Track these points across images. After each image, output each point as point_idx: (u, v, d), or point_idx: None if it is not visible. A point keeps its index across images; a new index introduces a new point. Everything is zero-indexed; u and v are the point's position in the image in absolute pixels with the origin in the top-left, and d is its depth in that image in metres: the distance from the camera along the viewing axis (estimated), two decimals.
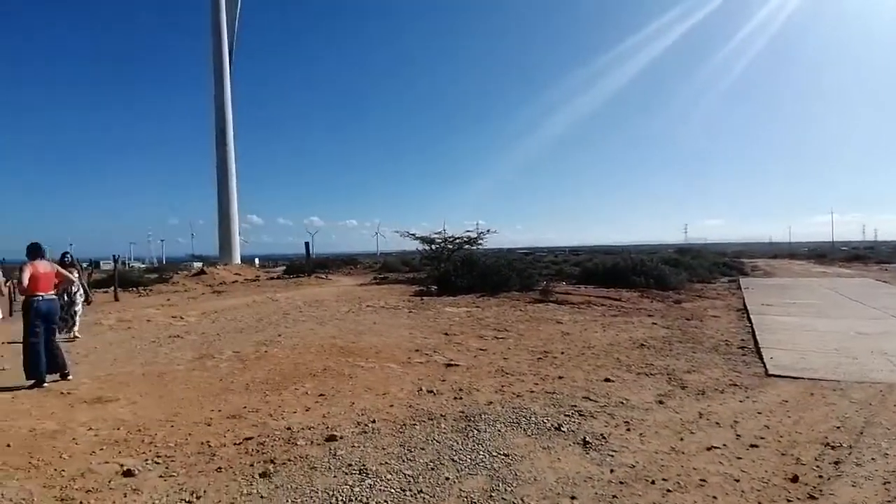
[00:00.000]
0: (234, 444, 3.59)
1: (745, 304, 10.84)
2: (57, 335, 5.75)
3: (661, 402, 4.39)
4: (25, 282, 5.29)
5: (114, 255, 21.75)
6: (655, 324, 8.74)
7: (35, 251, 5.52)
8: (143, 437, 3.74)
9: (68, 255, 8.27)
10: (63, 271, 5.93)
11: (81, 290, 8.25)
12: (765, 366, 5.57)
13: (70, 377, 5.52)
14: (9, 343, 6.04)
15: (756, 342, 6.84)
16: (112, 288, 17.02)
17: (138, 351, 7.22)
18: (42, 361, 5.27)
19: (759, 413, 4.08)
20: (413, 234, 24.87)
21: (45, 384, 5.26)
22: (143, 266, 47.96)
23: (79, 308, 8.30)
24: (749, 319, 8.85)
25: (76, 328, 8.21)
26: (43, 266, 5.54)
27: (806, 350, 6.31)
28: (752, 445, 3.42)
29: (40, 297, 5.38)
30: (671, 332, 7.86)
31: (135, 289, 19.51)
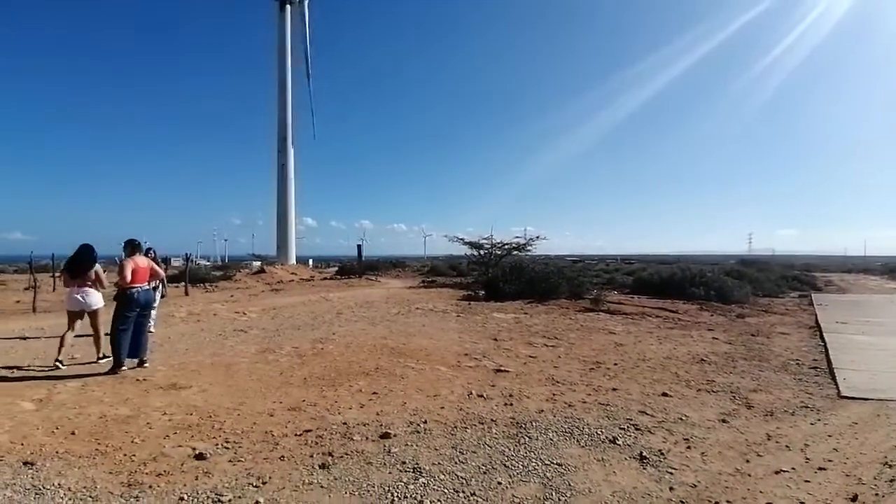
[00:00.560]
0: (295, 435, 3.76)
1: (817, 322, 10.04)
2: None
3: (724, 422, 4.17)
4: (129, 275, 5.81)
5: (186, 254, 23.48)
6: (717, 338, 8.28)
7: (134, 247, 6.08)
8: (213, 423, 3.99)
9: (152, 251, 8.51)
10: (156, 267, 6.48)
11: (160, 287, 8.72)
12: (837, 387, 5.19)
13: (147, 365, 5.98)
14: (81, 336, 6.57)
15: (829, 362, 6.33)
16: (183, 283, 18.27)
17: (207, 343, 7.71)
18: (126, 349, 5.74)
19: (829, 436, 3.85)
20: (461, 239, 24.97)
21: (124, 367, 5.68)
22: (209, 263, 51.00)
23: (156, 303, 8.60)
24: (822, 338, 8.20)
25: (152, 324, 8.37)
26: (142, 261, 6.10)
27: (878, 370, 5.91)
28: (820, 468, 3.26)
29: (139, 289, 5.92)
30: (734, 348, 7.43)
31: (202, 285, 20.83)
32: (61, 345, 5.96)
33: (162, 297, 9.08)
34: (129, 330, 5.76)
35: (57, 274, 21.37)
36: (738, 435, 3.86)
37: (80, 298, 6.08)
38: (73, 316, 6.13)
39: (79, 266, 6.10)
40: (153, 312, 8.53)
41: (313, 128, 38.84)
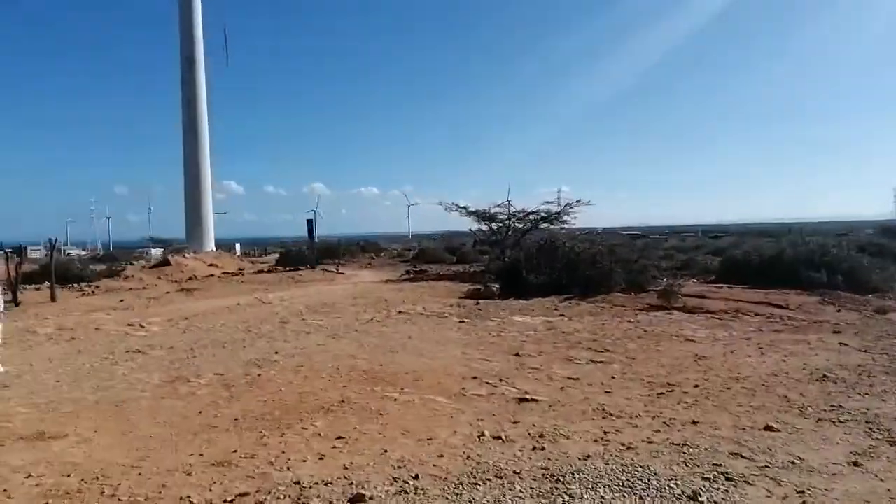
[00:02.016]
0: (225, 501, 3.80)
1: None
2: None
3: (856, 465, 4.25)
4: None
5: (49, 239, 22.78)
6: (845, 344, 8.41)
7: None
8: (102, 488, 4.04)
9: None
10: None
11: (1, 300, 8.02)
12: None
13: None
14: None
15: None
16: (47, 284, 18.23)
17: (87, 371, 7.76)
18: None
19: None
20: (464, 208, 24.92)
21: None
22: (85, 253, 50.96)
23: None
24: None
25: None
26: None
27: None
28: None
29: None
30: (872, 358, 7.55)
31: (76, 285, 20.82)
32: None
33: (14, 304, 8.90)
34: None
35: None
36: (878, 484, 3.93)
37: None
38: None
39: None
40: None
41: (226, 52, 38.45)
